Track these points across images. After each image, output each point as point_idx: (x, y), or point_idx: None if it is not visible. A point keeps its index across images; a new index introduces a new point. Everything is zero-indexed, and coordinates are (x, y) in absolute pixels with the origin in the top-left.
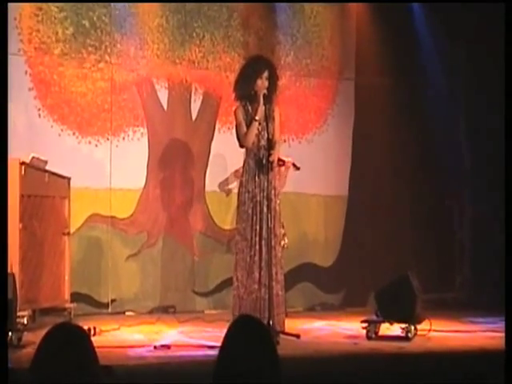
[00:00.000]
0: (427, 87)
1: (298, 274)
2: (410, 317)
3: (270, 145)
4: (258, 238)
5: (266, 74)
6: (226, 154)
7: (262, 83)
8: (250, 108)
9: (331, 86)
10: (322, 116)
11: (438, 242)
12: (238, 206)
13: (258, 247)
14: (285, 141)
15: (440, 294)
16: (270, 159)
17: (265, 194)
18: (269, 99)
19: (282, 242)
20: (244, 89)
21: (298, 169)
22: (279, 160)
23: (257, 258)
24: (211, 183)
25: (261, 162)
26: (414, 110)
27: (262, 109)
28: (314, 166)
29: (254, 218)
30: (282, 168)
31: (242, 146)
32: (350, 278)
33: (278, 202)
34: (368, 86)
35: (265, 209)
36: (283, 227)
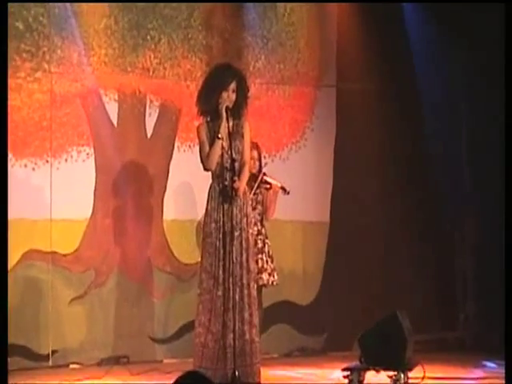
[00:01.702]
0: (420, 95)
1: (273, 314)
2: (399, 363)
3: (234, 168)
4: (227, 275)
5: (233, 86)
6: (187, 177)
7: (227, 96)
8: (214, 125)
9: (309, 94)
10: (299, 129)
11: (435, 272)
12: (203, 239)
13: (227, 285)
14: (265, 164)
15: (439, 333)
16: (234, 186)
17: (234, 224)
18: (237, 114)
19: (271, 279)
20: (207, 103)
21: (287, 193)
22: (265, 183)
23: (225, 298)
24: (170, 211)
25: (226, 187)
26: (405, 122)
27: (225, 125)
28: (290, 188)
29: (222, 251)
30: (270, 192)
31: (205, 168)
32: (332, 317)
33: (250, 231)
34: (352, 93)
35: (234, 241)
36: (272, 261)
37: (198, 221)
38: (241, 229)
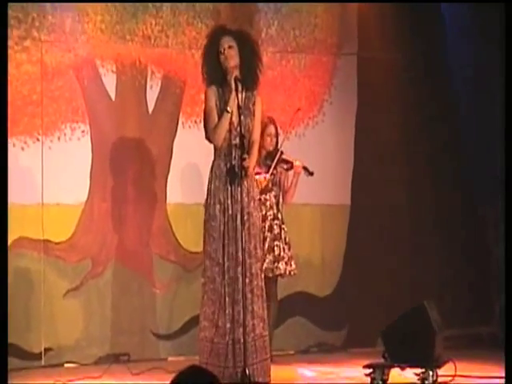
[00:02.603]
0: (449, 68)
1: (288, 306)
2: (427, 359)
3: (244, 145)
4: (233, 263)
5: (231, 49)
6: (193, 156)
7: (227, 61)
8: (224, 94)
9: (327, 63)
10: (316, 102)
11: (468, 262)
12: (205, 221)
13: (233, 275)
14: (283, 140)
15: (472, 328)
16: (244, 164)
17: (240, 207)
18: (249, 85)
19: (288, 269)
20: (210, 71)
21: (310, 174)
22: (284, 162)
23: (231, 289)
24: (175, 193)
25: (234, 166)
26: (434, 94)
27: (234, 98)
28: (308, 167)
29: (227, 236)
30: (290, 173)
31: (210, 142)
32: (353, 310)
33: (257, 215)
34: (375, 63)
35: (241, 226)
36: (289, 249)
37: None
38: (248, 213)
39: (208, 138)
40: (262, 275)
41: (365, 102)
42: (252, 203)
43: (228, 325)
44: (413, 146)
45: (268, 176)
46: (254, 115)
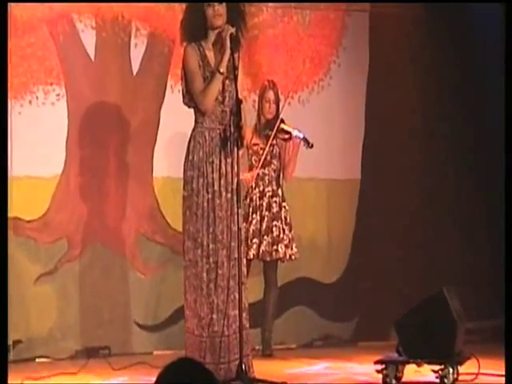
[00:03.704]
0: (471, 25)
1: (289, 294)
2: (446, 354)
3: (240, 112)
4: (218, 246)
5: (220, 7)
6: (183, 125)
7: (215, 18)
8: (206, 53)
9: (335, 21)
10: (323, 65)
11: (492, 243)
12: (186, 197)
13: (217, 259)
14: (282, 107)
15: (496, 319)
16: (242, 133)
17: (225, 182)
18: (235, 43)
19: (289, 252)
20: (193, 27)
21: (310, 146)
22: (283, 132)
23: (214, 274)
24: (162, 167)
25: (224, 136)
26: (456, 54)
27: (227, 56)
28: (312, 138)
29: (212, 215)
30: (289, 144)
31: (191, 106)
32: (363, 298)
33: (242, 194)
34: (389, 19)
35: (226, 204)
36: (290, 229)
37: None
38: (232, 191)
39: (189, 102)
40: (244, 260)
41: (377, 64)
42: (236, 179)
43: (211, 316)
44: (430, 113)
45: (256, 173)
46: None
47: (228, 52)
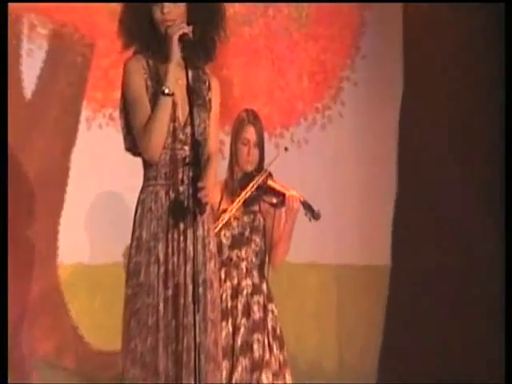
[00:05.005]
0: None
1: None
2: None
3: (199, 160)
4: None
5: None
6: (110, 178)
7: (161, 16)
8: (157, 71)
9: (349, 14)
10: (330, 83)
11: None
12: (127, 300)
13: None
14: (286, 149)
15: None
16: (201, 196)
17: (191, 271)
18: (197, 56)
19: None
20: (137, 28)
21: (314, 217)
22: (274, 193)
23: None
24: (72, 248)
25: (181, 199)
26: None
27: (173, 67)
28: (315, 202)
29: (173, 324)
30: (280, 212)
31: (136, 153)
32: None
33: (217, 286)
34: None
35: (192, 305)
36: (282, 346)
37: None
38: (204, 281)
39: (134, 147)
40: None
41: (416, 82)
42: (211, 263)
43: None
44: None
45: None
46: (209, 108)
47: (174, 61)
